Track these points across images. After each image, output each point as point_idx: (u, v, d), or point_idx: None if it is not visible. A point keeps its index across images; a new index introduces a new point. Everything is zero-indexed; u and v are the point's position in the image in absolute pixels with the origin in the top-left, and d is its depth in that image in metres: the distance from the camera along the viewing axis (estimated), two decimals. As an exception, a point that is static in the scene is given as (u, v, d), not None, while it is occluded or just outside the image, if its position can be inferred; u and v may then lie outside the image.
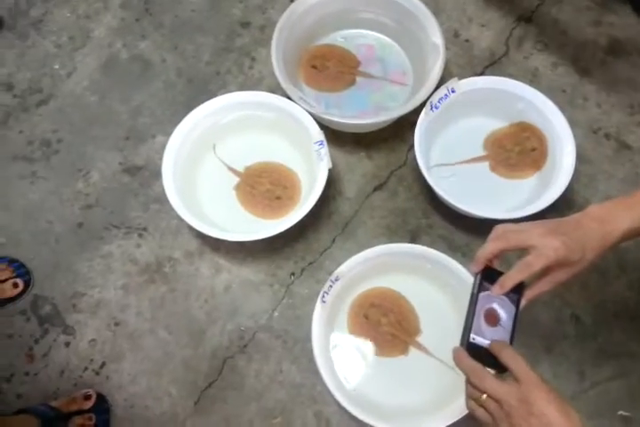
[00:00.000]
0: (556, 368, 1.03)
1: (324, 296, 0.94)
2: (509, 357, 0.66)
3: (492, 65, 1.25)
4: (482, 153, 1.14)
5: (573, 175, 1.00)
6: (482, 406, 0.65)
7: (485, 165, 1.14)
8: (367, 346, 1.00)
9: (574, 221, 0.74)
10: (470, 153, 1.15)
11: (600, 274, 1.07)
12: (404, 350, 1.00)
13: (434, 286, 1.03)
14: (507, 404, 0.62)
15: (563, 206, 1.09)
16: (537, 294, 0.74)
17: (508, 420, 0.62)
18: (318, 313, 0.94)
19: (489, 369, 0.67)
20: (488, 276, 0.74)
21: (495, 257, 0.75)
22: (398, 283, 1.04)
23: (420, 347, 0.99)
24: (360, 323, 1.02)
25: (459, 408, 0.87)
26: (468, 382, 0.67)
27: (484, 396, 0.65)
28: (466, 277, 0.96)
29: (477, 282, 0.74)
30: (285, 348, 1.04)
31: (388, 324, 1.00)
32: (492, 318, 0.73)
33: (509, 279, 0.72)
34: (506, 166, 1.12)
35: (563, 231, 0.71)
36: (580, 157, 1.04)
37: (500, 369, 0.67)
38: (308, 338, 0.94)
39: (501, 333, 0.72)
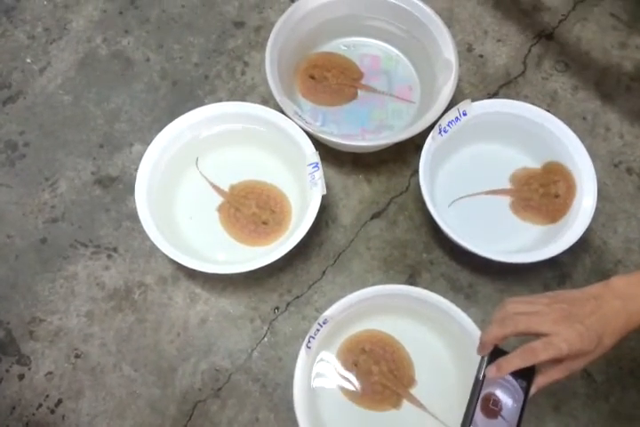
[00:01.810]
0: None
1: (309, 341, 0.88)
2: None
3: (506, 84, 1.18)
4: (506, 185, 1.09)
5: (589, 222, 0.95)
6: None
7: (499, 198, 1.07)
8: (355, 398, 0.93)
9: (594, 299, 0.68)
10: (481, 182, 1.08)
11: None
12: (396, 404, 0.93)
13: (432, 331, 0.97)
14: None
15: (577, 248, 1.02)
16: (549, 382, 0.68)
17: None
18: (302, 360, 0.88)
19: None
20: (495, 359, 0.68)
21: (501, 342, 0.69)
22: (393, 326, 0.98)
23: (413, 400, 0.93)
24: (349, 371, 0.94)
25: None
26: None
27: None
28: (468, 325, 0.90)
29: (484, 365, 0.67)
30: (264, 393, 0.96)
31: (380, 373, 0.93)
32: (493, 408, 0.66)
33: (509, 364, 0.67)
34: (525, 207, 1.06)
35: (580, 317, 0.66)
36: (599, 193, 0.98)
37: None
38: (289, 383, 0.87)
39: (503, 426, 0.65)
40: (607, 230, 1.08)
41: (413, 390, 0.94)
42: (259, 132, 1.05)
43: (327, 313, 0.88)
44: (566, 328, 0.65)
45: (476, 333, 0.88)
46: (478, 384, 0.68)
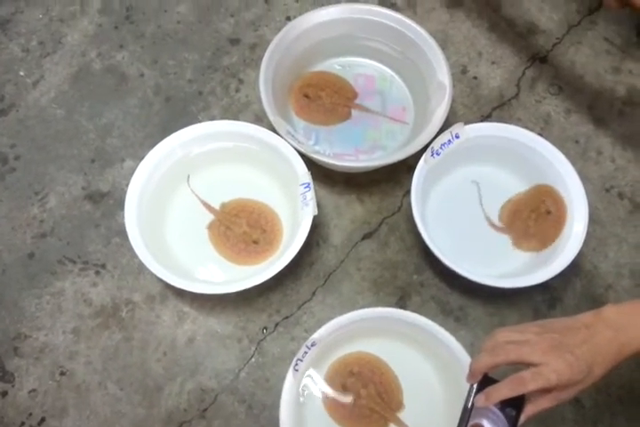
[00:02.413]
0: None
1: (297, 364, 0.88)
2: None
3: (500, 107, 1.20)
4: (496, 218, 1.10)
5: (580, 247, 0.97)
6: None
7: (489, 224, 1.09)
8: (343, 421, 0.94)
9: (585, 328, 0.69)
10: (471, 204, 1.10)
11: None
12: (383, 428, 0.92)
13: (421, 355, 0.98)
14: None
15: (568, 272, 1.03)
16: (538, 411, 0.69)
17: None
18: (289, 383, 0.88)
19: None
20: (485, 387, 0.68)
21: (491, 371, 0.69)
22: (381, 349, 0.98)
23: (400, 424, 0.94)
24: (337, 394, 0.94)
25: None
26: None
27: None
28: (457, 350, 0.91)
29: (472, 394, 0.68)
30: (250, 415, 0.97)
31: (368, 397, 0.94)
32: None
33: (497, 393, 0.68)
34: (527, 238, 1.07)
35: (570, 347, 0.67)
36: (590, 218, 0.99)
37: None
38: (276, 405, 0.88)
39: None
40: (598, 255, 1.10)
41: (401, 414, 0.95)
42: (251, 151, 1.06)
43: (315, 336, 0.89)
44: (556, 358, 0.66)
45: (464, 358, 0.89)
46: (466, 413, 0.69)
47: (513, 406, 0.69)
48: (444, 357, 0.94)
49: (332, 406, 0.94)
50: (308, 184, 0.97)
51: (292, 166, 1.00)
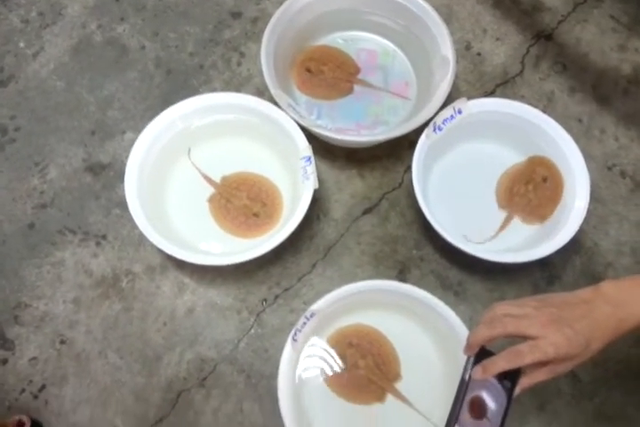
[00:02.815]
0: None
1: (295, 334, 0.91)
2: None
3: (504, 84, 1.22)
4: (497, 208, 1.12)
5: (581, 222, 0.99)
6: None
7: (490, 200, 1.11)
8: (340, 390, 0.97)
9: (584, 302, 0.71)
10: (473, 180, 1.13)
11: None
12: (381, 398, 0.97)
13: (419, 327, 1.01)
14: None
15: (568, 249, 1.06)
16: (533, 384, 0.71)
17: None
18: (288, 353, 0.91)
19: None
20: (482, 360, 0.71)
21: (489, 343, 0.72)
22: (380, 321, 1.01)
23: (398, 395, 0.96)
24: (335, 365, 0.98)
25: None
26: None
27: None
28: (455, 323, 0.94)
29: (469, 366, 0.70)
30: (249, 384, 1.00)
31: (366, 367, 0.97)
32: (479, 409, 0.69)
33: (494, 365, 0.69)
34: (533, 212, 1.09)
35: (569, 321, 0.68)
36: (592, 196, 1.01)
37: None
38: (274, 375, 0.91)
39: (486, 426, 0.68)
40: (599, 232, 1.12)
41: (398, 385, 0.98)
42: (252, 124, 1.08)
43: (314, 307, 0.92)
44: (554, 332, 0.67)
45: (463, 330, 0.92)
46: (464, 385, 0.71)
47: (509, 378, 0.72)
48: (443, 330, 0.96)
49: (330, 376, 0.97)
50: (309, 158, 1.00)
51: (292, 140, 1.02)
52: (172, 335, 1.03)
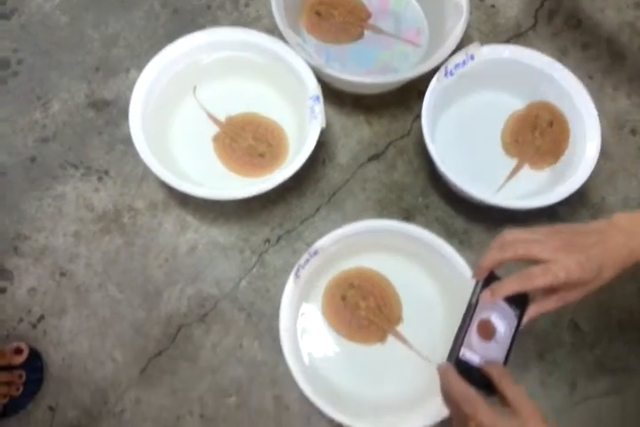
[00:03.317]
0: (546, 377, 1.03)
1: (298, 270, 0.93)
2: (510, 387, 0.64)
3: (516, 37, 1.23)
4: (505, 156, 1.13)
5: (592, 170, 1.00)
6: None
7: (499, 149, 1.13)
8: (341, 329, 1.00)
9: (597, 232, 0.71)
10: (482, 130, 1.14)
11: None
12: (382, 339, 1.00)
13: (423, 272, 1.03)
14: None
15: (576, 202, 1.10)
16: (542, 312, 0.72)
17: None
18: (290, 289, 0.94)
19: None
20: (490, 284, 0.72)
21: (498, 266, 0.73)
22: (383, 264, 1.04)
23: (398, 336, 0.99)
24: (336, 304, 1.01)
25: (438, 408, 0.87)
26: (458, 406, 0.66)
27: (473, 424, 0.63)
28: (459, 265, 0.96)
29: (477, 290, 0.72)
30: (249, 322, 1.03)
31: (367, 308, 0.99)
32: (487, 331, 0.71)
33: (503, 288, 0.70)
34: (542, 158, 1.11)
35: (581, 247, 0.69)
36: (601, 151, 1.02)
37: (489, 391, 0.66)
38: (275, 314, 0.93)
39: (495, 350, 0.70)
40: (607, 188, 1.14)
41: (399, 327, 1.01)
42: (260, 63, 1.09)
43: (318, 244, 0.94)
44: (566, 256, 0.68)
45: (466, 273, 0.95)
46: (471, 309, 0.73)
47: (517, 305, 0.74)
48: (446, 273, 0.99)
49: (331, 316, 1.00)
50: (318, 97, 1.01)
51: (301, 79, 1.04)
52: (174, 272, 1.05)
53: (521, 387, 0.63)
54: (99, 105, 1.15)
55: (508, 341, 0.71)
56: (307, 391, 0.87)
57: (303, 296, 0.98)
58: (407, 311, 1.02)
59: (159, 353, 1.01)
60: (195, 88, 1.11)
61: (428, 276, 1.03)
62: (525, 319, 0.73)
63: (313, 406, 0.88)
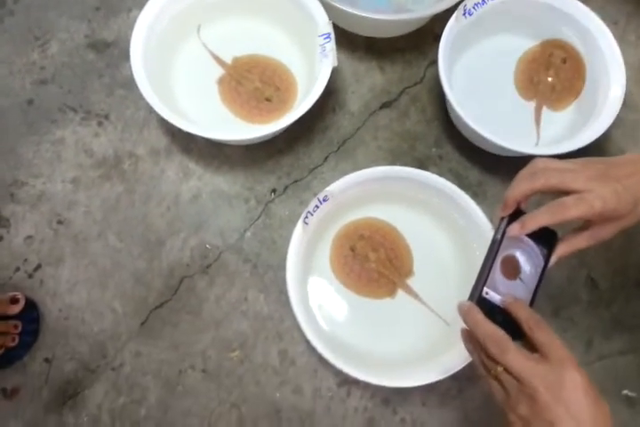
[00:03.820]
0: (562, 334, 0.93)
1: (307, 217, 0.87)
2: (540, 330, 0.59)
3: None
4: (522, 100, 1.07)
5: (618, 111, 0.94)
6: (495, 378, 0.59)
7: (513, 91, 1.07)
8: (350, 282, 0.94)
9: (631, 163, 0.66)
10: (500, 76, 1.07)
11: (627, 235, 1.02)
12: (392, 292, 0.94)
13: (437, 224, 0.98)
14: (530, 386, 0.57)
15: (593, 155, 1.01)
16: (571, 251, 0.67)
17: (529, 403, 0.56)
18: (298, 236, 0.88)
19: None
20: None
21: (527, 198, 0.67)
22: (395, 215, 0.98)
23: (409, 291, 0.94)
24: (344, 256, 0.95)
25: (449, 362, 0.82)
26: (482, 348, 0.60)
27: (500, 368, 0.58)
28: (478, 219, 0.91)
29: (503, 226, 0.66)
30: (255, 274, 0.97)
31: (377, 260, 0.93)
32: (512, 269, 0.66)
33: (534, 220, 0.65)
34: (560, 97, 1.05)
35: (617, 177, 0.64)
36: (624, 102, 0.96)
37: (515, 335, 0.60)
38: (281, 266, 0.88)
39: (520, 289, 0.65)
40: (627, 140, 1.08)
41: (410, 281, 0.95)
42: (268, 0, 1.02)
43: (329, 188, 0.89)
44: (602, 185, 0.63)
45: (484, 225, 0.89)
46: (496, 244, 0.67)
47: (544, 243, 0.68)
48: (461, 225, 0.94)
49: (339, 267, 0.95)
50: (329, 35, 0.94)
51: (311, 17, 0.96)
52: (176, 221, 0.99)
53: (552, 332, 0.57)
54: (99, 46, 1.08)
55: (535, 281, 0.66)
56: (314, 342, 0.83)
57: (311, 246, 0.92)
58: (419, 265, 0.96)
59: (160, 305, 0.96)
60: (199, 27, 1.04)
61: (441, 228, 0.97)
62: (553, 259, 0.68)
63: (320, 360, 0.83)
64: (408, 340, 0.92)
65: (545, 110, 1.05)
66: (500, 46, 1.08)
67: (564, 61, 1.04)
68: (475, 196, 1.01)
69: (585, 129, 0.95)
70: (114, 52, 1.08)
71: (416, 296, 0.94)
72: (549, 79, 1.05)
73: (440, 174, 0.96)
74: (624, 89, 0.96)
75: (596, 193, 0.63)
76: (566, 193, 0.66)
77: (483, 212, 0.90)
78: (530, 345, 0.61)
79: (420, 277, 0.96)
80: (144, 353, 0.94)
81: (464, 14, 0.98)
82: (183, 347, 0.94)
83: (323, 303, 0.93)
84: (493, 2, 1.01)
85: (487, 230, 0.88)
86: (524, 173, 0.69)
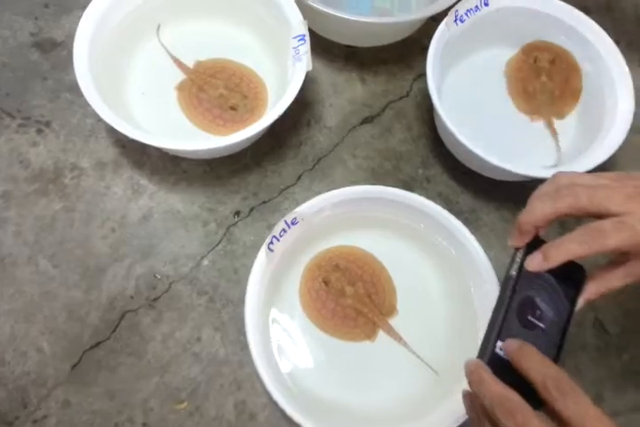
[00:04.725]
0: None
1: (272, 243, 0.72)
2: (569, 397, 0.42)
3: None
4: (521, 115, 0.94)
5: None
6: None
7: (509, 106, 0.94)
8: (322, 322, 0.78)
9: None
10: (495, 91, 0.94)
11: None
12: (371, 334, 0.78)
13: (424, 254, 0.82)
14: None
15: None
16: (603, 292, 0.52)
17: None
18: (261, 265, 0.72)
19: None
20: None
21: (548, 223, 0.51)
22: (376, 243, 0.82)
23: (391, 333, 0.78)
24: (316, 289, 0.79)
25: (438, 422, 0.66)
26: (490, 418, 0.43)
27: None
28: (472, 249, 0.76)
29: (519, 259, 0.50)
30: (211, 309, 0.80)
31: (355, 296, 0.77)
32: (531, 316, 0.49)
33: (561, 250, 0.50)
34: (562, 102, 0.93)
35: None
36: (631, 127, 0.83)
37: (533, 400, 0.43)
38: (243, 300, 0.71)
39: (542, 342, 0.49)
40: (636, 165, 0.95)
41: (393, 321, 0.79)
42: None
43: (299, 209, 0.73)
44: None
45: (478, 256, 0.75)
46: (510, 283, 0.52)
47: (569, 282, 0.52)
48: (452, 255, 0.79)
49: (309, 303, 0.79)
50: (303, 36, 0.81)
51: (284, 16, 0.83)
52: (121, 245, 0.82)
53: (586, 399, 0.40)
54: (45, 46, 0.92)
55: (559, 330, 0.50)
56: (276, 396, 0.66)
57: (276, 278, 0.76)
58: (403, 302, 0.81)
59: (96, 345, 0.79)
60: (158, 27, 0.89)
61: (430, 259, 0.82)
62: (581, 302, 0.53)
63: (284, 415, 0.65)
64: (390, 393, 0.75)
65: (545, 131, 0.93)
66: (494, 57, 0.96)
67: (553, 62, 0.92)
68: (466, 223, 0.86)
69: (591, 151, 0.83)
70: (62, 52, 0.93)
71: (399, 339, 0.78)
72: (545, 85, 0.92)
73: (428, 198, 0.82)
74: (633, 108, 0.84)
75: (638, 216, 0.48)
76: (598, 217, 0.50)
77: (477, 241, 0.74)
78: (553, 415, 0.44)
79: (405, 316, 0.80)
80: (74, 402, 0.77)
81: (455, 21, 0.86)
82: (121, 396, 0.77)
83: (289, 347, 0.76)
84: (488, 9, 0.89)
85: (482, 262, 0.72)
86: (544, 190, 0.54)
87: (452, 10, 0.87)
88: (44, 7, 0.97)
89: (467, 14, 0.88)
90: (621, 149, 0.83)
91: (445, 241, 0.79)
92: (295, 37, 0.81)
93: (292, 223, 0.73)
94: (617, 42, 0.97)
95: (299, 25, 0.82)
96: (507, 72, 0.95)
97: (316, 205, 0.75)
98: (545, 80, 0.92)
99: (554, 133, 0.91)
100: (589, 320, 0.85)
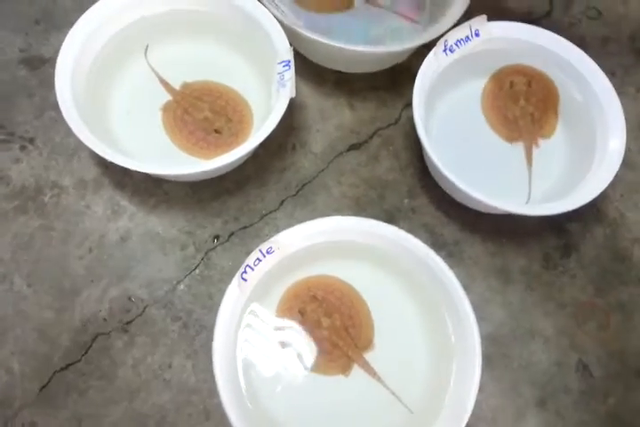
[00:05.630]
0: None
1: (245, 272, 0.69)
2: None
3: (528, 24, 1.00)
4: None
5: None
6: None
7: (494, 138, 0.91)
8: (294, 354, 0.75)
9: None
10: (479, 124, 0.92)
11: (626, 314, 0.85)
12: (345, 369, 0.75)
13: (404, 287, 0.79)
14: None
15: (590, 217, 0.89)
16: None
17: None
18: (233, 294, 0.70)
19: None
20: None
21: None
22: (356, 274, 0.79)
23: (367, 368, 0.75)
24: (291, 320, 0.75)
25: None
26: None
27: None
28: (450, 287, 0.73)
29: None
30: (184, 335, 0.78)
31: (331, 328, 0.75)
32: None
33: None
34: (542, 123, 0.91)
35: None
36: (622, 161, 0.81)
37: None
38: (217, 327, 0.68)
39: None
40: (627, 202, 0.92)
41: (368, 356, 0.76)
42: (224, 21, 0.87)
43: (275, 238, 0.70)
44: None
45: (457, 294, 0.72)
46: None
47: None
48: (430, 290, 0.76)
49: (282, 335, 0.76)
50: (289, 62, 0.79)
51: (271, 41, 0.82)
52: (98, 266, 0.80)
53: None
54: (34, 62, 0.90)
55: None
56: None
57: (248, 307, 0.73)
58: (380, 336, 0.77)
59: (66, 367, 0.77)
60: (147, 47, 0.86)
61: (409, 293, 0.79)
62: None
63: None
64: (365, 430, 0.71)
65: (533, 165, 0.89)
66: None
67: (529, 84, 0.90)
68: (449, 256, 0.85)
69: (580, 187, 0.80)
70: (49, 70, 0.90)
71: (374, 374, 0.75)
72: (524, 109, 0.90)
73: (412, 230, 0.81)
74: (624, 142, 0.82)
75: None
76: None
77: (457, 276, 0.71)
78: None
79: (382, 351, 0.76)
80: (40, 424, 0.74)
81: (444, 51, 0.85)
82: (88, 420, 0.75)
83: (260, 380, 0.73)
84: (479, 39, 0.87)
85: (460, 300, 0.71)
86: None
87: (442, 39, 0.85)
88: (34, 24, 0.95)
89: (457, 44, 0.86)
90: (613, 185, 0.82)
91: (424, 276, 0.76)
92: (281, 63, 0.80)
93: (268, 253, 0.71)
94: (612, 73, 0.95)
95: (285, 51, 0.80)
96: (483, 104, 0.93)
97: (294, 235, 0.73)
98: (523, 104, 0.90)
99: (529, 160, 0.89)
100: (572, 362, 0.82)
